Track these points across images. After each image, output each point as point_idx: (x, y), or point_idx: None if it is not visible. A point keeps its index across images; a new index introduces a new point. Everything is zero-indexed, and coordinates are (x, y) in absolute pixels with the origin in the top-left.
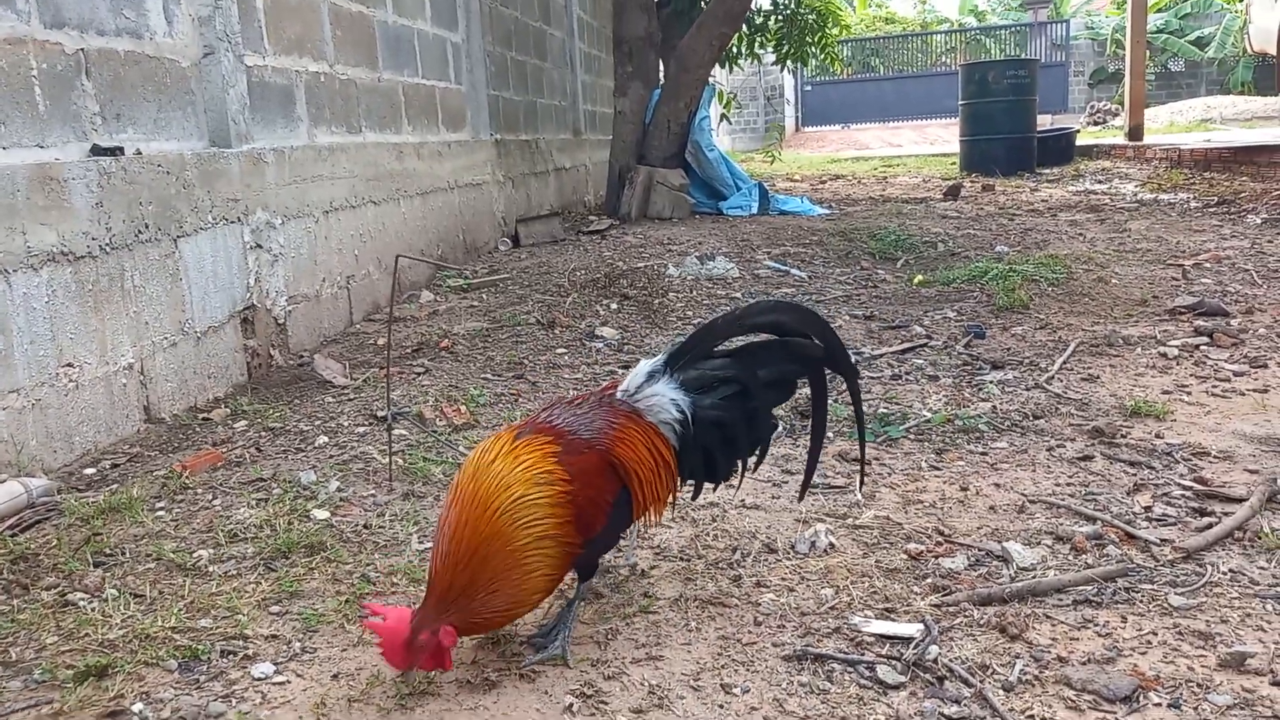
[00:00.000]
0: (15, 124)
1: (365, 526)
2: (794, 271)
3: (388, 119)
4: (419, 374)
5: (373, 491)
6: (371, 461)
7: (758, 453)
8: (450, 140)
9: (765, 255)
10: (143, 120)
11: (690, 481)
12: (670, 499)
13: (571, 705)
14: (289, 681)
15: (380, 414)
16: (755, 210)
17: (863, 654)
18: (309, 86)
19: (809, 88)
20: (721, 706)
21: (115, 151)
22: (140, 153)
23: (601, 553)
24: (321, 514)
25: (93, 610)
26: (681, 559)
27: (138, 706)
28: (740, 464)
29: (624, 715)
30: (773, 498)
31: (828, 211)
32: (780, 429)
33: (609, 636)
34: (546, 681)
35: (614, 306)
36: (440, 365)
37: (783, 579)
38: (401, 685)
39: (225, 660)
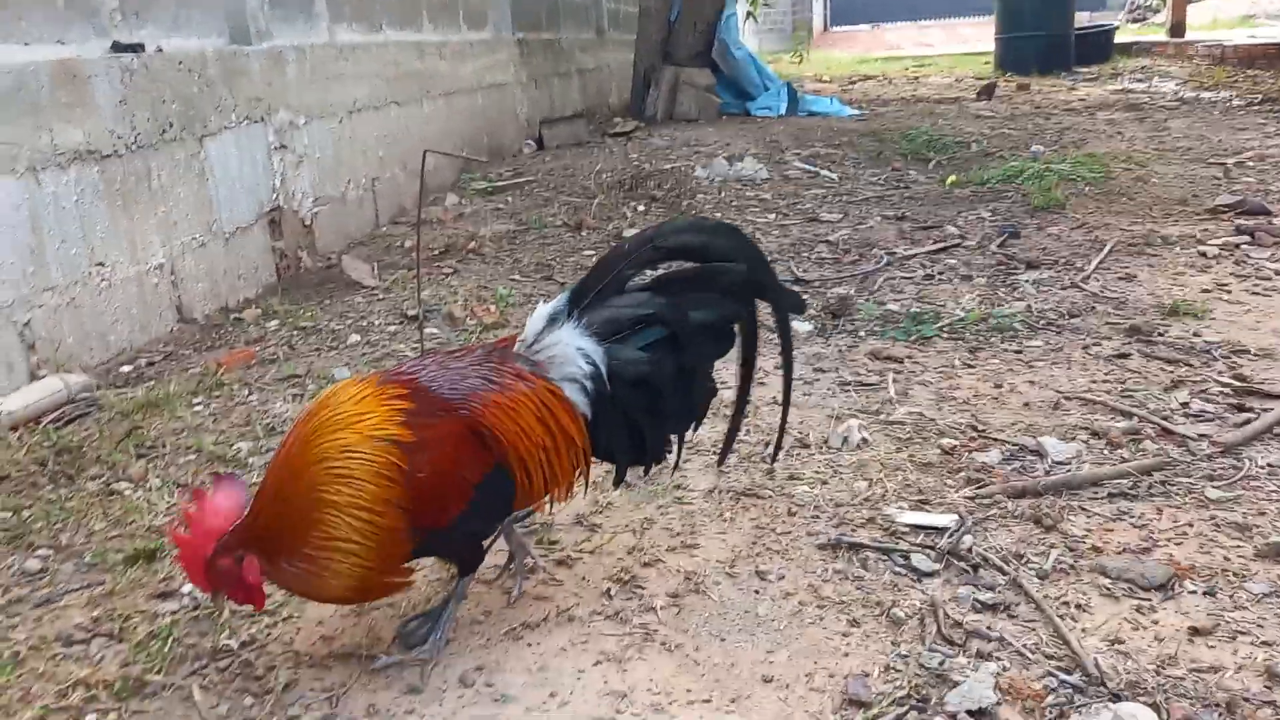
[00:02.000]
0: (35, 18)
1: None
2: (824, 173)
3: (408, 17)
4: (447, 275)
5: None
6: (404, 359)
7: (694, 425)
8: (472, 39)
9: (795, 156)
10: (162, 17)
11: (605, 460)
12: (575, 480)
13: (609, 590)
14: None
15: (411, 313)
16: (784, 111)
17: (897, 543)
18: None
19: None
20: (757, 592)
21: (136, 48)
22: (161, 50)
23: (468, 544)
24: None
25: (138, 499)
26: (713, 453)
27: (187, 588)
28: (676, 439)
29: (661, 600)
30: (804, 395)
31: (858, 112)
32: (809, 327)
33: (644, 526)
34: (584, 567)
35: (641, 209)
36: (468, 267)
37: (816, 473)
38: (435, 571)
39: None
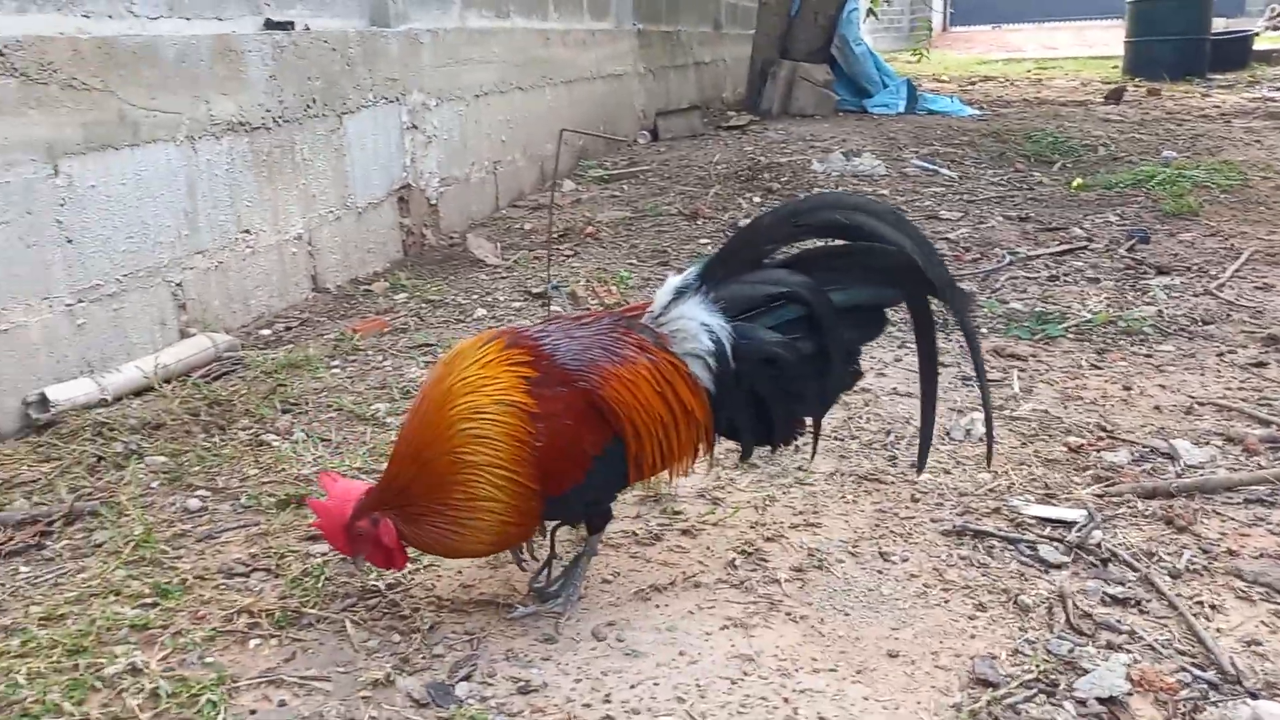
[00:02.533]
0: None
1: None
2: (943, 171)
3: (535, 5)
4: (567, 257)
5: None
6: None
7: (825, 409)
8: (594, 28)
9: (913, 154)
10: None
11: (730, 439)
12: (695, 458)
13: (734, 560)
14: None
15: (535, 290)
16: (902, 109)
17: (1023, 534)
18: None
19: None
20: (880, 572)
21: (286, 26)
22: (308, 28)
23: (588, 511)
24: None
25: (285, 449)
26: (835, 438)
27: None
28: (809, 423)
29: (784, 573)
30: None
31: (979, 112)
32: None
33: (766, 503)
34: (708, 538)
35: (756, 200)
36: (587, 250)
37: (938, 462)
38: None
39: None
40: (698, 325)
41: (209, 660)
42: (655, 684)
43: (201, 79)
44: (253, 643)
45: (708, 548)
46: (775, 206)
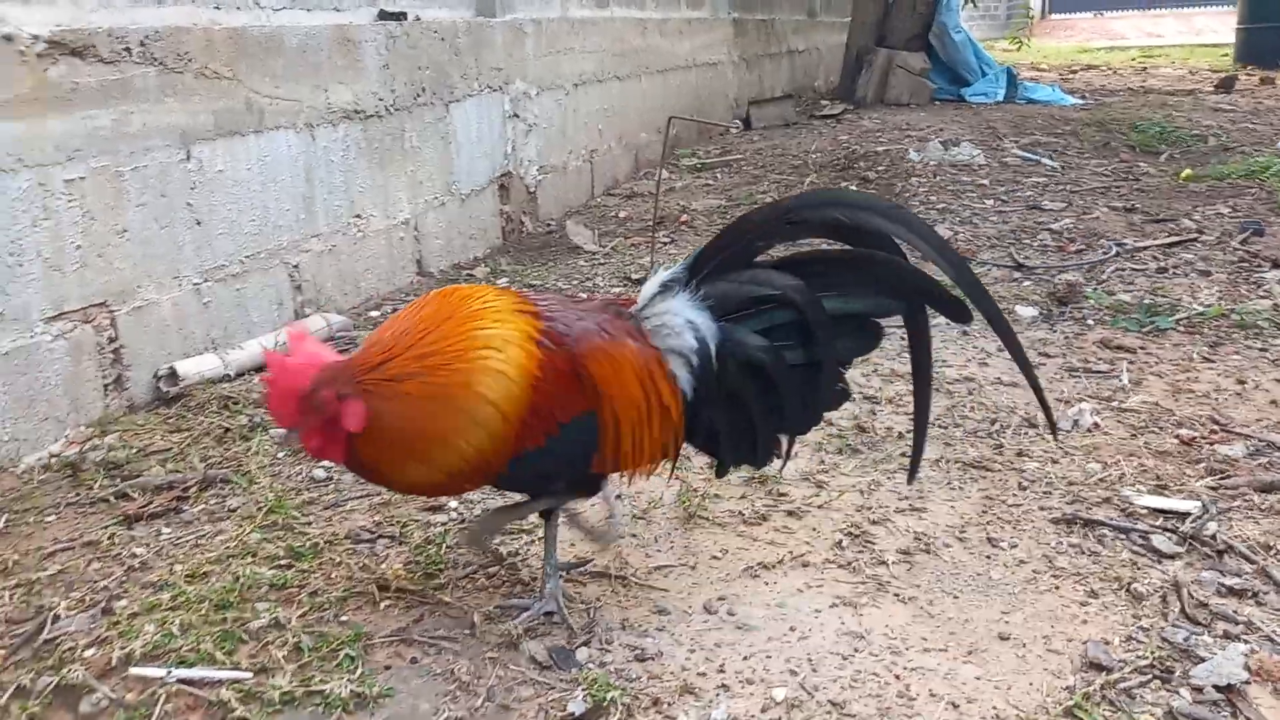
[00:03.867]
0: None
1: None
2: (1045, 161)
3: None
4: (664, 244)
5: None
6: None
7: (811, 426)
8: (690, 17)
9: (1013, 144)
10: None
11: (707, 452)
12: (660, 461)
13: (841, 541)
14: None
15: (634, 277)
16: (1001, 98)
17: (1135, 524)
18: None
19: None
20: (988, 557)
21: (400, 16)
22: (419, 19)
23: (533, 482)
24: None
25: None
26: (939, 426)
27: (453, 504)
28: (787, 440)
29: (892, 555)
30: None
31: (1081, 102)
32: (1034, 312)
33: (871, 487)
34: (814, 520)
35: (853, 189)
36: (682, 238)
37: (1045, 451)
38: (675, 507)
39: None
40: (683, 322)
41: (344, 619)
42: (767, 657)
43: (321, 68)
44: (383, 604)
45: (814, 529)
46: (770, 201)
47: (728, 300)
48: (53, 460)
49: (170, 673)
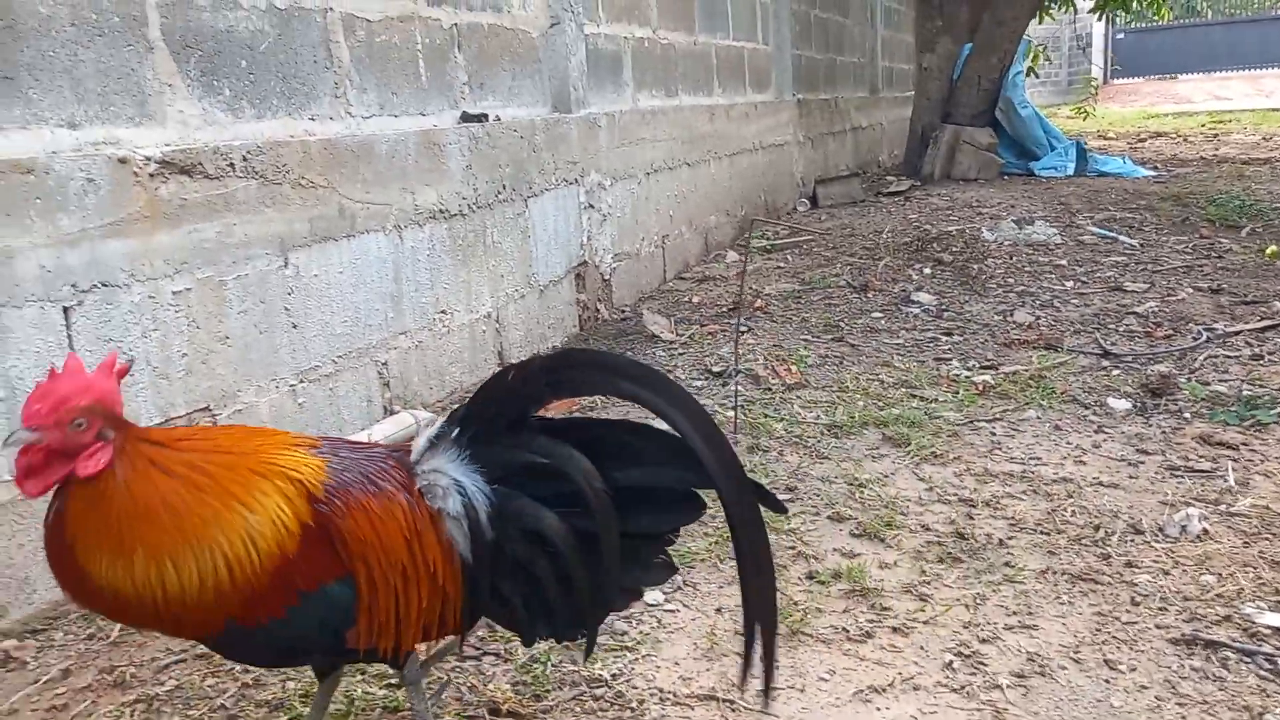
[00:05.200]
0: (404, 94)
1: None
2: (1123, 238)
3: (701, 82)
4: (742, 332)
5: None
6: (714, 414)
7: (616, 603)
8: (756, 101)
9: (1087, 220)
10: (500, 89)
11: (501, 622)
12: (433, 634)
13: (951, 663)
14: (677, 610)
15: (714, 369)
16: (1071, 171)
17: (1259, 645)
18: (635, 52)
19: (1122, 35)
20: (1107, 681)
21: (481, 118)
22: (499, 118)
23: (265, 652)
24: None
25: None
26: (1040, 532)
27: None
28: (586, 614)
29: (1005, 678)
30: (1129, 477)
31: (1153, 173)
32: (1128, 405)
33: (976, 601)
34: (920, 637)
35: (928, 271)
36: (758, 325)
37: (1155, 561)
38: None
39: None
40: (449, 481)
41: None
42: None
43: (408, 172)
44: None
45: (921, 647)
46: (526, 359)
47: (498, 464)
48: None
49: None
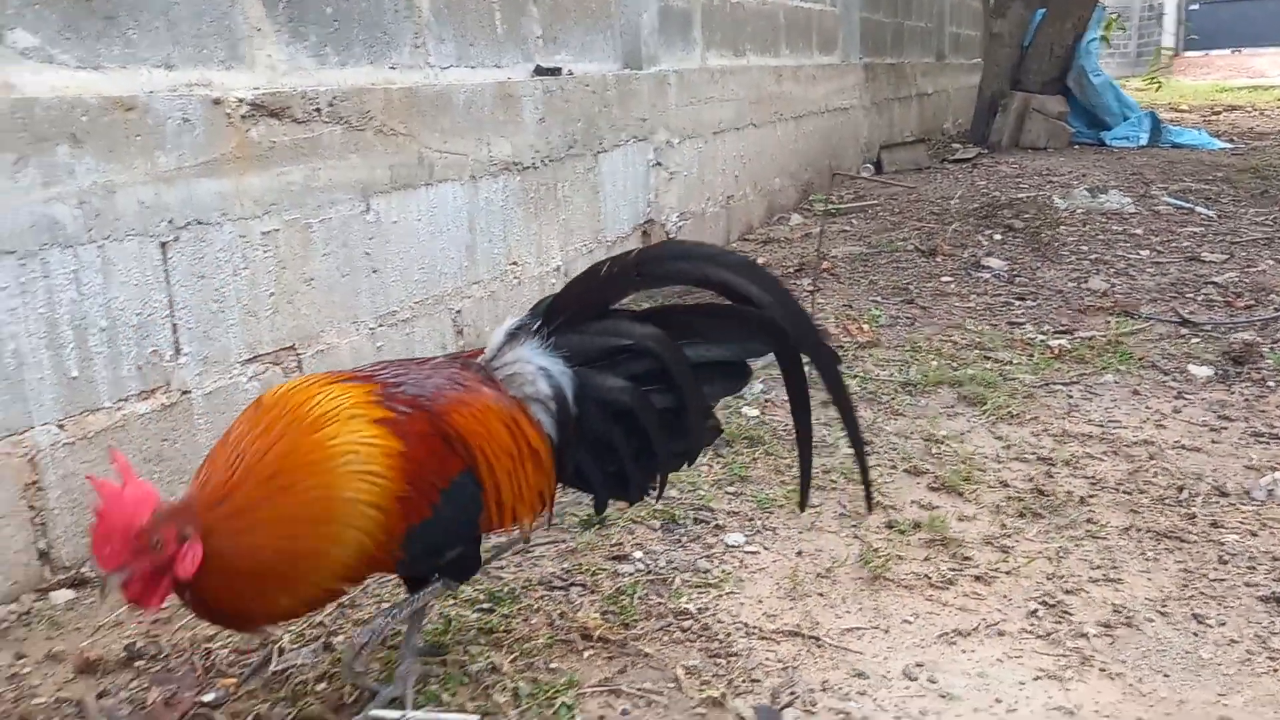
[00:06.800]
0: (480, 46)
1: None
2: (1199, 209)
3: (768, 42)
4: (809, 293)
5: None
6: None
7: (684, 464)
8: (823, 63)
9: (1161, 191)
10: (572, 43)
11: (578, 487)
12: (542, 508)
13: (1035, 611)
14: (758, 552)
15: None
16: (1144, 142)
17: None
18: (704, 10)
19: (1196, 6)
20: (1195, 635)
21: (554, 71)
22: (572, 73)
23: (423, 560)
24: (752, 412)
25: None
26: (1122, 491)
27: (637, 554)
28: (658, 478)
29: (1091, 627)
30: (1212, 442)
31: (1229, 145)
32: (1210, 372)
33: (1059, 554)
34: (1002, 586)
35: (997, 237)
36: (826, 286)
37: (1241, 522)
38: (858, 568)
39: (699, 527)
40: (535, 369)
41: (552, 666)
42: None
43: (484, 123)
44: (586, 653)
45: (1004, 596)
46: (618, 254)
47: (581, 349)
48: None
49: (405, 714)
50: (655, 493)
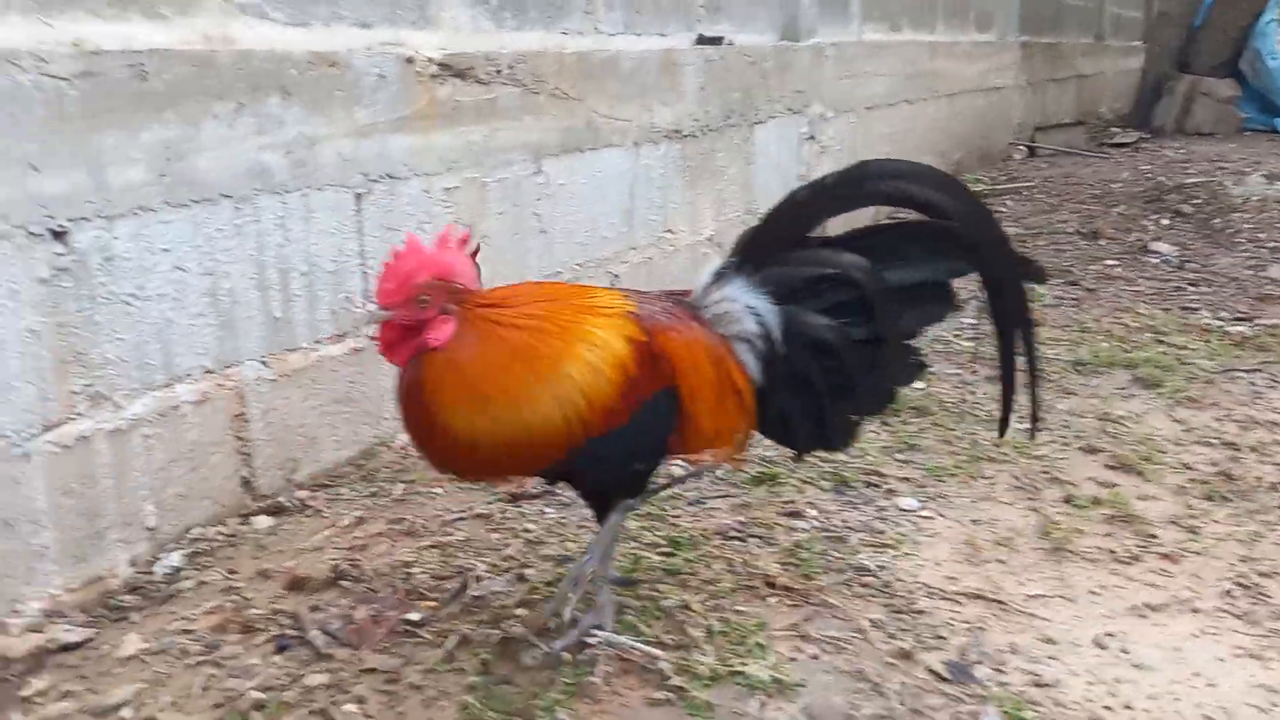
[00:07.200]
0: (646, 13)
1: (961, 400)
2: None
3: (924, 17)
4: None
5: (957, 370)
6: (950, 344)
7: (887, 405)
8: (978, 41)
9: None
10: (734, 13)
11: (782, 441)
12: (738, 446)
13: (1230, 591)
14: (933, 518)
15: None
16: None
17: None
18: None
19: None
20: None
21: (716, 41)
22: (732, 43)
23: (617, 471)
24: (918, 384)
25: None
26: None
27: (811, 512)
28: (856, 419)
29: None
30: None
31: None
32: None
33: (1253, 539)
34: (1192, 565)
35: (1164, 222)
36: None
37: None
38: (1038, 538)
39: (870, 490)
40: (742, 308)
41: (739, 609)
42: (1175, 699)
43: (648, 90)
44: (770, 599)
45: (1195, 575)
46: (812, 180)
47: (785, 283)
48: None
49: (606, 638)
50: (852, 440)
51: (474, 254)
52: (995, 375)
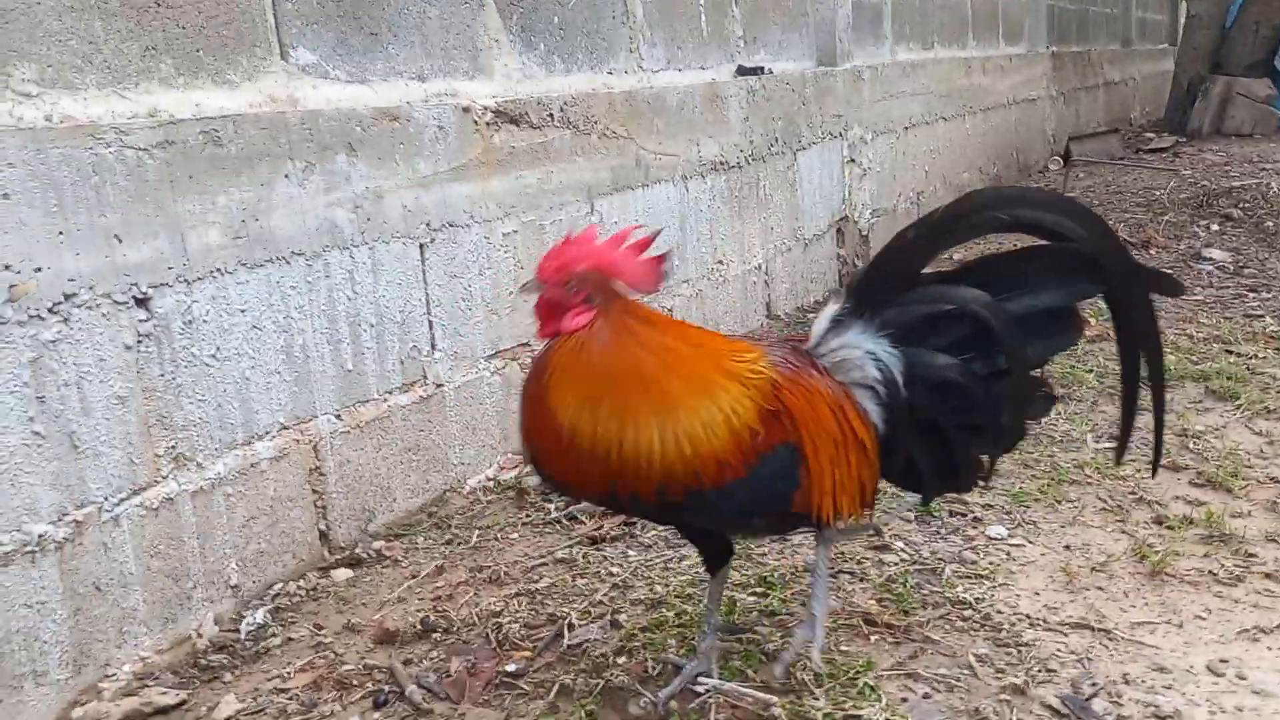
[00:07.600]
0: (688, 48)
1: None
2: None
3: (956, 34)
4: None
5: None
6: None
7: (1019, 438)
8: (1010, 54)
9: None
10: (771, 42)
11: (908, 487)
12: (861, 501)
13: None
14: (1023, 545)
15: None
16: None
17: None
18: (894, 3)
19: None
20: None
21: (756, 71)
22: (772, 72)
23: (729, 520)
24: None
25: None
26: None
27: (899, 544)
28: (989, 459)
29: None
30: None
31: None
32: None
33: None
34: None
35: (1215, 227)
36: None
37: None
38: (1133, 562)
39: (956, 519)
40: (862, 354)
41: (843, 648)
42: None
43: (694, 123)
44: (872, 637)
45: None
46: (921, 216)
47: (903, 324)
48: (490, 483)
49: (714, 685)
50: (984, 479)
51: (659, 258)
52: (1119, 398)
